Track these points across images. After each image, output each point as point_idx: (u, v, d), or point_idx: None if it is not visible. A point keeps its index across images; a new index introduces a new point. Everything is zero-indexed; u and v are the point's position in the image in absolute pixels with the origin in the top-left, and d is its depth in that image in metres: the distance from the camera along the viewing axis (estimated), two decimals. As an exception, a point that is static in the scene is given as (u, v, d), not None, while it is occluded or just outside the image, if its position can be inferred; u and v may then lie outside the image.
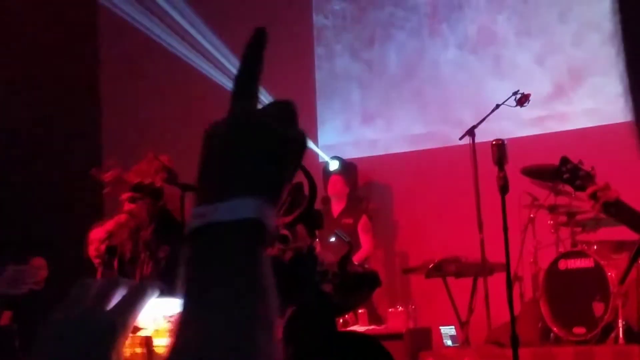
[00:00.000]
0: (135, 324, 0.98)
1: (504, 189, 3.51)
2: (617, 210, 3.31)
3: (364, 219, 7.52)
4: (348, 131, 9.01)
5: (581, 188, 3.36)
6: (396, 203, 8.53)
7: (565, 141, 7.53)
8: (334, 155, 8.51)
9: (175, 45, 8.86)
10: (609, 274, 5.62)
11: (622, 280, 3.07)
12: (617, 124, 7.37)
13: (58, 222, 8.04)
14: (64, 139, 8.79)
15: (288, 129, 0.92)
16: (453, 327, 6.67)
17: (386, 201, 8.56)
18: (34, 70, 8.71)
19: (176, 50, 8.86)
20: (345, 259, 3.42)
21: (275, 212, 0.88)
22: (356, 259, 7.21)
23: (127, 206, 4.47)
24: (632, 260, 2.84)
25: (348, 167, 8.40)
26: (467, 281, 6.72)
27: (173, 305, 0.91)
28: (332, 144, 8.96)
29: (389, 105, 8.76)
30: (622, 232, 5.57)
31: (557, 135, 7.73)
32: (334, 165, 8.33)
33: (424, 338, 6.51)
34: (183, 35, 8.84)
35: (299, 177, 3.65)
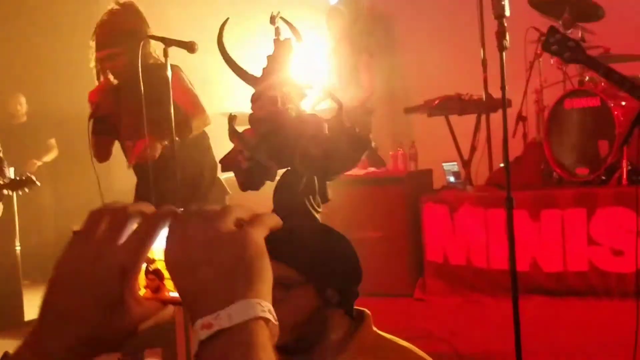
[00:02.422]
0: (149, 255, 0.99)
1: (502, 45, 3.30)
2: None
3: (364, 57, 7.28)
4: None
5: (571, 60, 3.17)
6: (398, 38, 8.27)
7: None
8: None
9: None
10: (616, 113, 5.46)
11: (623, 142, 2.93)
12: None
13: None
14: None
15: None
16: (455, 163, 6.60)
17: (388, 36, 8.30)
18: None
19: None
20: (336, 120, 3.28)
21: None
22: (358, 98, 7.04)
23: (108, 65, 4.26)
24: (634, 124, 2.68)
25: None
26: (471, 119, 6.59)
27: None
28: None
29: None
30: (633, 68, 5.39)
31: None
32: (335, -2, 8.03)
33: (426, 180, 6.45)
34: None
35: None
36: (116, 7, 4.33)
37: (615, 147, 5.41)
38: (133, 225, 0.98)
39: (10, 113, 8.64)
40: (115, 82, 4.26)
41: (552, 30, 3.22)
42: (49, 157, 8.50)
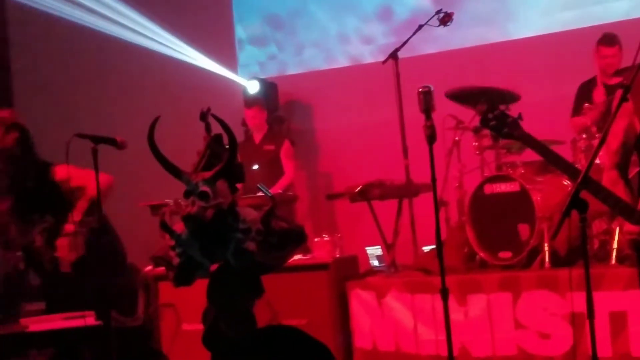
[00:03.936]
0: None
1: (431, 138, 3.37)
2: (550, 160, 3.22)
3: (286, 145, 7.35)
4: (266, 49, 8.76)
5: (508, 136, 3.25)
6: (318, 124, 8.37)
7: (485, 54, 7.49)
8: (252, 76, 8.29)
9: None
10: (535, 197, 5.59)
11: (554, 235, 3.00)
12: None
13: None
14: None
15: None
16: (379, 247, 6.62)
17: (308, 122, 8.40)
18: None
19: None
20: (269, 215, 3.27)
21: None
22: (280, 185, 7.07)
23: None
24: (564, 216, 2.75)
25: (267, 88, 8.20)
26: (393, 204, 6.65)
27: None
28: (250, 62, 8.73)
29: (307, 23, 8.52)
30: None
31: (478, 49, 7.65)
32: (253, 87, 8.12)
33: (351, 267, 6.45)
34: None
35: (218, 128, 3.43)
36: None
37: (536, 230, 5.53)
38: None
39: None
40: None
41: (491, 106, 3.28)
42: None
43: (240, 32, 8.77)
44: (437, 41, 7.58)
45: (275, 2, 8.68)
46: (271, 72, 8.60)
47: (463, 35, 7.58)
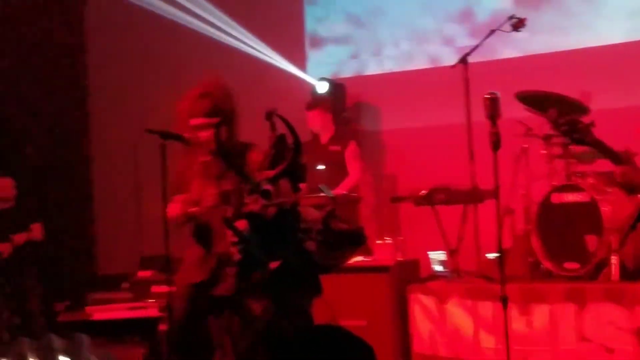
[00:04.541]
0: None
1: (496, 145, 3.32)
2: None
3: (352, 146, 7.33)
4: (338, 50, 8.75)
5: (579, 141, 3.18)
6: (385, 126, 8.33)
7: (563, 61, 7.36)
8: (321, 76, 8.29)
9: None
10: (604, 209, 5.48)
11: (620, 247, 2.93)
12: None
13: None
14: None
15: None
16: (442, 252, 6.57)
17: (375, 124, 8.37)
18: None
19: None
20: (330, 216, 3.27)
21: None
22: (344, 186, 7.05)
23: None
24: (631, 228, 2.68)
25: (335, 89, 8.19)
26: (457, 209, 6.59)
27: None
28: (321, 62, 8.73)
29: (378, 23, 8.48)
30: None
31: (551, 55, 7.53)
32: (322, 88, 8.13)
33: (412, 271, 6.41)
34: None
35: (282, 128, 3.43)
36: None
37: (604, 242, 5.41)
38: None
39: None
40: None
41: (562, 111, 3.22)
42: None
43: (315, 30, 8.77)
44: (511, 46, 7.47)
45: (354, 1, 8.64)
46: (346, 72, 8.58)
47: (537, 40, 7.46)
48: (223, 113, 4.16)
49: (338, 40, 8.70)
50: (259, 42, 8.47)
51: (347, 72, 8.57)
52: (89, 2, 9.35)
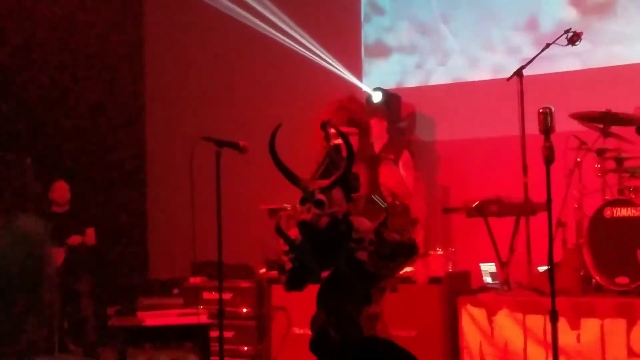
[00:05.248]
0: None
1: (549, 159, 3.36)
2: None
3: (405, 155, 7.36)
4: (393, 60, 8.80)
5: None
6: (439, 137, 8.36)
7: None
8: (377, 86, 8.35)
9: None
10: (656, 224, 5.45)
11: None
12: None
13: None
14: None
15: None
16: (493, 264, 6.58)
17: (429, 134, 8.40)
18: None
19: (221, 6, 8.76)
20: (382, 226, 3.32)
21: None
22: (397, 195, 7.08)
23: None
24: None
25: (390, 99, 8.24)
26: (509, 221, 6.59)
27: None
28: (368, 72, 8.79)
29: (434, 36, 8.51)
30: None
31: (608, 70, 7.48)
32: (377, 97, 8.18)
33: (463, 282, 6.43)
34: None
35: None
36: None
37: (656, 257, 5.39)
38: None
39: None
40: None
41: None
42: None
43: (382, 39, 8.83)
44: (573, 57, 7.43)
45: (421, 9, 8.66)
46: (410, 82, 8.62)
47: (600, 52, 7.42)
48: (358, 125, 4.39)
49: (403, 49, 8.74)
50: (318, 48, 8.55)
51: (411, 82, 8.61)
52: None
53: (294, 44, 8.60)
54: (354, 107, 4.37)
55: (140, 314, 6.08)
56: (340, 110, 4.31)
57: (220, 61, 8.97)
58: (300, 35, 8.57)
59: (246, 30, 8.63)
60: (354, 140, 4.24)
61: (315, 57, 8.55)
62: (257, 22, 8.63)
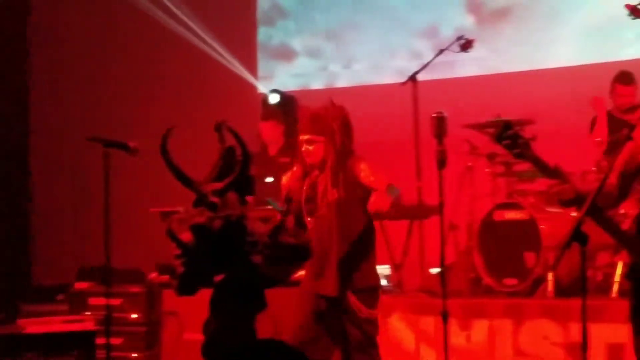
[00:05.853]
0: None
1: (441, 163, 3.41)
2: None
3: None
4: (289, 62, 8.81)
5: (519, 156, 3.27)
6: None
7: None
8: (273, 88, 8.32)
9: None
10: (542, 227, 5.62)
11: (554, 266, 3.03)
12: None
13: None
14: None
15: None
16: (387, 266, 6.64)
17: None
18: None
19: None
20: (277, 229, 3.30)
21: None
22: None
23: None
24: (564, 247, 2.79)
25: (287, 101, 8.23)
26: (403, 224, 6.68)
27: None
28: (272, 74, 8.78)
29: (339, 40, 8.58)
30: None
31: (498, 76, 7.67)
32: (273, 99, 8.15)
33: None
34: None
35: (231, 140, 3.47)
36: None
37: (541, 259, 5.55)
38: None
39: None
40: None
41: (507, 126, 3.31)
42: None
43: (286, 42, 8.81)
44: (471, 63, 7.59)
45: (326, 13, 8.69)
46: (316, 85, 8.62)
47: (496, 59, 7.61)
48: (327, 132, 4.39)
49: (308, 53, 8.75)
50: (217, 46, 8.46)
51: (315, 85, 8.62)
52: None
53: (195, 39, 8.49)
54: (326, 115, 4.41)
55: (20, 322, 5.83)
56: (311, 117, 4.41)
57: (118, 57, 8.74)
58: (199, 32, 8.49)
59: (143, 20, 8.45)
60: (319, 148, 4.33)
61: (215, 54, 8.46)
62: (159, 12, 8.47)
